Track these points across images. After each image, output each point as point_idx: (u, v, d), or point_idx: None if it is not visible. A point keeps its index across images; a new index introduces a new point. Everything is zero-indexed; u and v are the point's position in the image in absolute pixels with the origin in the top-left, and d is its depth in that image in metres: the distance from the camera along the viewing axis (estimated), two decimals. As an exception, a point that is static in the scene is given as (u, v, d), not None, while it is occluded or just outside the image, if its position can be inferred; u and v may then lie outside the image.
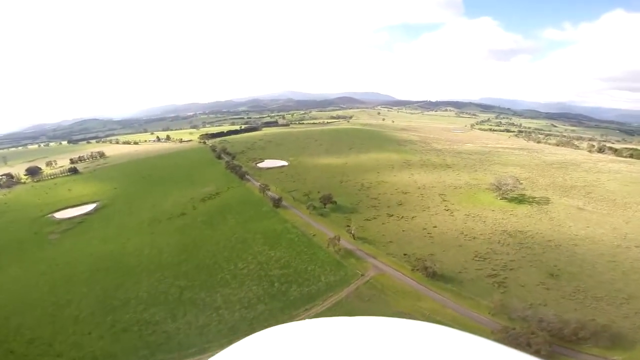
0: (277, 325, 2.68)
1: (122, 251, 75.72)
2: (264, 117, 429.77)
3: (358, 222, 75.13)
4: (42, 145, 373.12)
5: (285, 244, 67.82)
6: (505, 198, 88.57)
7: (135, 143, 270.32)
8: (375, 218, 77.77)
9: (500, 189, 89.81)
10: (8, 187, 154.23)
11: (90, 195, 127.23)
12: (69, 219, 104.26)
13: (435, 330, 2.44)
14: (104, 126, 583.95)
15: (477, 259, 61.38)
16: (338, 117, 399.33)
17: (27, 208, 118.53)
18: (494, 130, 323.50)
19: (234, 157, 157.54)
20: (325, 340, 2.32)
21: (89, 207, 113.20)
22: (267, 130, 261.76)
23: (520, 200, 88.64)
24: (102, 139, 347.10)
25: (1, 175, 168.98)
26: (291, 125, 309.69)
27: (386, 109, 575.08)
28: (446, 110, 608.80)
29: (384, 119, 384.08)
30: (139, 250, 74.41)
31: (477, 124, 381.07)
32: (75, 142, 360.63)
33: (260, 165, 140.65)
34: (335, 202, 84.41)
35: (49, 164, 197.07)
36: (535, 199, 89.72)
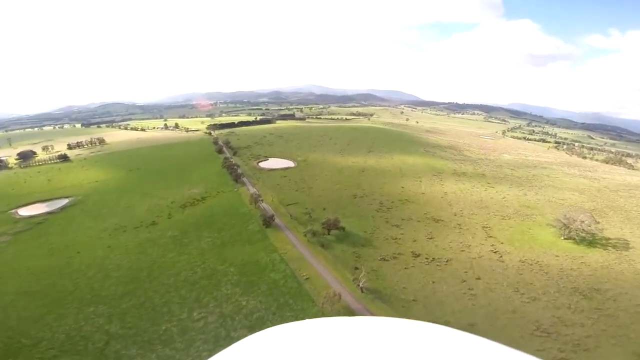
0: (277, 325, 2.58)
1: (63, 269, 57.96)
2: (282, 110, 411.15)
3: (371, 262, 54.20)
4: (57, 127, 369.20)
5: (265, 288, 47.67)
6: (571, 238, 64.80)
7: (142, 130, 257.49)
8: (395, 257, 56.24)
9: (568, 227, 64.95)
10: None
11: (68, 188, 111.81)
12: (30, 217, 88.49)
13: (435, 330, 2.41)
14: (126, 110, 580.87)
15: (538, 333, 40.48)
16: (358, 114, 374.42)
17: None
18: (529, 139, 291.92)
19: (235, 153, 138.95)
20: (325, 340, 2.29)
21: (59, 204, 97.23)
22: (280, 124, 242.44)
23: (591, 242, 64.10)
24: (117, 124, 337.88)
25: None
26: (307, 120, 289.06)
27: (410, 109, 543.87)
28: (474, 113, 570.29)
29: (407, 119, 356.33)
30: (83, 270, 56.35)
31: (508, 131, 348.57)
32: (89, 125, 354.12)
33: (262, 164, 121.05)
34: (343, 229, 63.40)
35: (45, 148, 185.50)
36: (610, 241, 64.99)
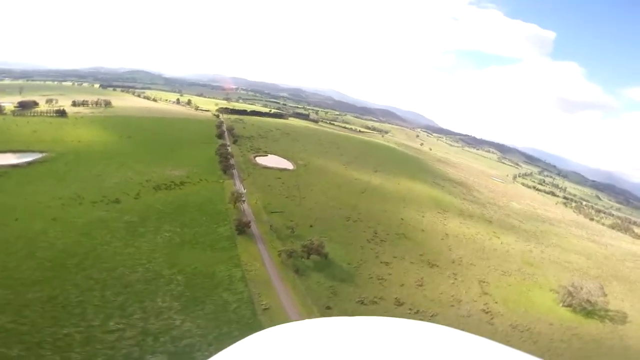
0: (277, 325, 2.54)
1: None
2: (298, 108, 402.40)
3: (347, 304, 44.16)
4: (75, 84, 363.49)
5: (210, 310, 37.60)
6: (570, 306, 55.68)
7: (154, 100, 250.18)
8: (375, 302, 45.83)
9: (572, 295, 56.30)
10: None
11: (48, 143, 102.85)
12: (-8, 166, 79.49)
13: (435, 330, 2.40)
14: (150, 79, 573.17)
15: None
16: (373, 129, 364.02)
17: None
18: (538, 190, 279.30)
19: (235, 141, 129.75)
20: (325, 340, 2.27)
21: (28, 157, 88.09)
22: (292, 121, 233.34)
23: (589, 312, 55.05)
24: (135, 90, 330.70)
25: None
26: (320, 123, 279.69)
27: (426, 134, 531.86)
28: (488, 151, 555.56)
29: (422, 144, 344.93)
30: (10, 242, 46.56)
31: (519, 176, 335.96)
32: (107, 87, 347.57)
33: (259, 160, 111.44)
34: (326, 256, 53.12)
35: (48, 101, 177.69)
36: (609, 313, 56.55)
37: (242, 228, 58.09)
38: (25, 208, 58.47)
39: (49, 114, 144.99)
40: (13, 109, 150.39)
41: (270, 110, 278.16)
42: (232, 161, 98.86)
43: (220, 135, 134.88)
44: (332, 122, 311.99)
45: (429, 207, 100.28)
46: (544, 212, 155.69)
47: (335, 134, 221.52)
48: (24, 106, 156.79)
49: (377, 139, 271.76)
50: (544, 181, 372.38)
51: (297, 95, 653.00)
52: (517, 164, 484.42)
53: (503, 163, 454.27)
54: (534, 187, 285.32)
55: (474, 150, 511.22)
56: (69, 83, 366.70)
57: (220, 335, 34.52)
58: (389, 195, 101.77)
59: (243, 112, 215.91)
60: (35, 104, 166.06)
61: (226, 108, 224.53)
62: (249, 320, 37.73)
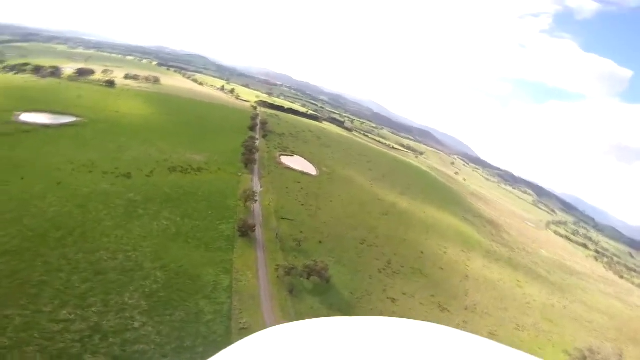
0: (277, 325, 2.54)
1: None
2: (335, 113, 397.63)
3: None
4: (136, 60, 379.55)
5: (180, 319, 32.26)
6: None
7: (200, 84, 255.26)
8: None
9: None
10: (43, 77, 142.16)
11: (87, 108, 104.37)
12: (23, 123, 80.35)
13: (435, 330, 2.39)
14: (204, 65, 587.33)
15: None
16: (407, 148, 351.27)
17: (19, 100, 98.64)
18: (570, 240, 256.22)
19: (265, 136, 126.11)
20: (325, 340, 2.25)
21: (62, 120, 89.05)
22: (326, 126, 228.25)
23: None
24: (187, 72, 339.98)
25: (51, 67, 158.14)
26: (354, 132, 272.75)
27: (462, 162, 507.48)
28: (525, 192, 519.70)
29: (456, 173, 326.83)
30: (3, 203, 44.22)
31: (553, 224, 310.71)
32: (162, 66, 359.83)
33: (284, 159, 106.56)
34: (328, 280, 46.54)
35: (105, 71, 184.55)
36: None
37: (246, 230, 52.86)
38: (35, 168, 56.83)
39: (99, 83, 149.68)
40: (71, 74, 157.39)
41: (307, 111, 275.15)
42: (256, 156, 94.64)
43: (252, 128, 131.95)
44: (366, 134, 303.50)
45: (454, 243, 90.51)
46: (573, 264, 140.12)
47: (367, 146, 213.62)
48: (81, 73, 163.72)
49: (410, 158, 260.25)
50: (577, 232, 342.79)
51: (337, 101, 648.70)
52: (553, 210, 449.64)
53: (538, 207, 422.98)
54: (567, 237, 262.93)
55: (510, 189, 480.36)
56: (131, 58, 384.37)
57: (180, 349, 29.25)
58: (413, 222, 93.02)
59: (280, 108, 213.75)
60: (92, 72, 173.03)
61: (265, 102, 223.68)
62: (219, 337, 32.09)
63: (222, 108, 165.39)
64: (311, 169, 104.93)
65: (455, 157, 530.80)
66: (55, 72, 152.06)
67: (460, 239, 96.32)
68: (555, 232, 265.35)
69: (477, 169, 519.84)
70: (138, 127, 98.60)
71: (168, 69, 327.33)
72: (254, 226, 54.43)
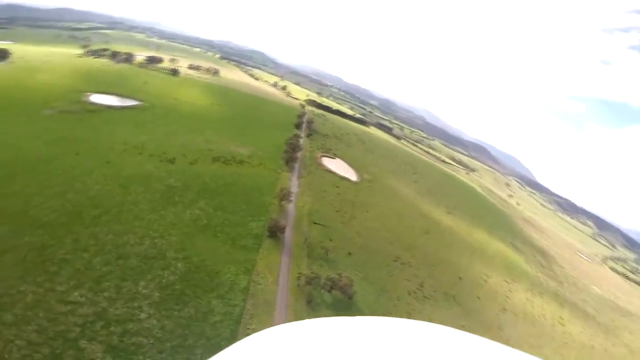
0: (277, 325, 2.52)
1: (40, 161, 49.78)
2: (384, 119, 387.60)
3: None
4: (202, 52, 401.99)
5: (189, 315, 30.71)
6: None
7: (256, 79, 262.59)
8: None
9: None
10: (117, 62, 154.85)
11: (149, 93, 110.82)
12: (91, 103, 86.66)
13: (435, 330, 2.38)
14: (262, 61, 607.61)
15: None
16: (459, 163, 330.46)
17: (91, 82, 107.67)
18: (628, 278, 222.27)
19: (309, 135, 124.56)
20: (325, 340, 2.25)
21: (126, 103, 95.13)
22: (373, 131, 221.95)
23: None
24: (245, 67, 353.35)
25: (126, 54, 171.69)
26: (402, 140, 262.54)
27: (518, 184, 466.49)
28: (585, 223, 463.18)
29: (510, 196, 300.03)
30: (53, 175, 46.84)
31: (611, 259, 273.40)
32: (224, 59, 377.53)
33: (325, 161, 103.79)
34: (350, 297, 42.72)
35: (172, 60, 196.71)
36: None
37: (275, 231, 50.80)
38: (90, 145, 60.00)
39: (164, 71, 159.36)
40: (141, 61, 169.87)
41: (355, 114, 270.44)
42: (298, 154, 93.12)
43: (297, 125, 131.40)
44: (415, 143, 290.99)
45: (497, 270, 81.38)
46: (626, 304, 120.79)
47: (416, 156, 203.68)
48: (150, 61, 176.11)
49: (461, 174, 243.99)
50: (637, 270, 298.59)
51: (387, 107, 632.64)
52: (613, 245, 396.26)
53: (597, 240, 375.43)
54: (624, 275, 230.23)
55: (568, 218, 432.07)
56: (198, 49, 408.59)
57: (180, 347, 27.61)
58: (456, 244, 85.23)
59: (328, 109, 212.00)
60: (161, 60, 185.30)
61: (314, 101, 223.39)
62: (223, 341, 29.99)
63: (271, 103, 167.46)
64: (352, 174, 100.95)
65: (511, 178, 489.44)
66: (128, 58, 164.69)
67: (505, 268, 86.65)
68: (612, 269, 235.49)
69: (534, 193, 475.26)
70: (191, 115, 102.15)
71: (229, 63, 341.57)
72: (284, 228, 52.20)
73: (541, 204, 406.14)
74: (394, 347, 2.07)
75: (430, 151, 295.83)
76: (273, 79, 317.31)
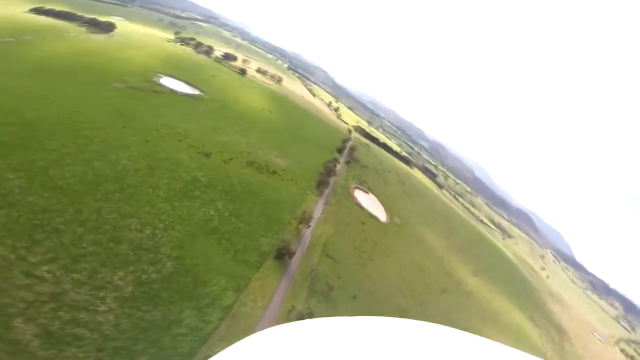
0: (277, 325, 2.52)
1: (83, 123, 51.40)
2: (430, 163, 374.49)
3: None
4: (273, 58, 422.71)
5: (154, 319, 27.62)
6: None
7: (313, 95, 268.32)
8: None
9: None
10: (198, 52, 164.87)
11: (215, 87, 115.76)
12: (159, 84, 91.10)
13: (435, 330, 2.37)
14: (323, 79, 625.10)
15: None
16: (497, 226, 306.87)
17: (168, 66, 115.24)
18: None
19: (348, 162, 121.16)
20: (325, 340, 2.22)
21: (191, 91, 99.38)
22: (415, 173, 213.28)
23: None
24: (306, 80, 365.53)
25: (207, 47, 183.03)
26: (444, 190, 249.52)
27: (553, 258, 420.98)
28: (612, 304, 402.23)
29: (542, 269, 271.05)
30: (100, 141, 47.99)
31: (624, 341, 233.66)
32: (291, 70, 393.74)
33: (357, 193, 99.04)
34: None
35: (244, 60, 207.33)
36: None
37: (284, 253, 47.16)
38: (140, 122, 61.66)
39: (234, 69, 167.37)
40: (218, 55, 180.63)
41: (401, 152, 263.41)
42: (331, 179, 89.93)
43: (339, 150, 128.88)
44: (457, 196, 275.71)
45: (505, 342, 68.62)
46: None
47: (453, 210, 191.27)
48: (226, 57, 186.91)
49: (497, 238, 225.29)
50: None
51: (437, 151, 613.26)
52: (634, 329, 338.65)
53: (619, 322, 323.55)
54: (632, 357, 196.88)
55: (596, 298, 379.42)
56: (270, 56, 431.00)
57: (124, 350, 24.70)
58: (472, 309, 75.74)
59: (374, 140, 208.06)
60: (235, 58, 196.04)
61: (362, 129, 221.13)
62: (177, 356, 26.44)
63: (320, 122, 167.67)
64: (381, 214, 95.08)
65: (548, 251, 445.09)
66: (208, 51, 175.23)
67: (515, 339, 76.48)
68: (622, 351, 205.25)
69: (567, 269, 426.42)
70: (243, 115, 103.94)
71: (293, 74, 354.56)
72: (294, 253, 48.40)
73: (572, 280, 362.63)
74: (394, 347, 2.04)
75: (471, 208, 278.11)
76: (328, 98, 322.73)
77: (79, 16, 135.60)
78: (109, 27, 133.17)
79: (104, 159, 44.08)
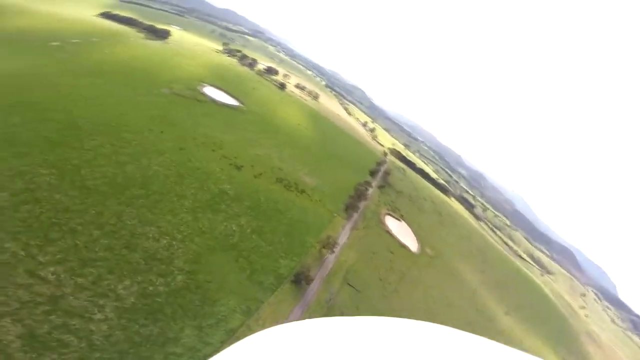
0: (277, 325, 2.53)
1: (123, 123, 52.80)
2: (468, 193, 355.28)
3: None
4: (312, 75, 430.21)
5: (149, 334, 25.37)
6: None
7: (349, 114, 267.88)
8: None
9: None
10: (242, 64, 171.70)
11: (254, 99, 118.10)
12: (202, 93, 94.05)
13: (435, 330, 2.38)
14: (359, 98, 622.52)
15: None
16: (537, 262, 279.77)
17: (213, 76, 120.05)
18: None
19: (381, 187, 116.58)
20: (325, 341, 2.22)
21: (231, 102, 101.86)
22: (452, 202, 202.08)
23: None
24: (342, 99, 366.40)
25: (252, 59, 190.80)
26: (481, 222, 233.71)
27: (594, 297, 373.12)
28: None
29: (582, 307, 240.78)
30: (137, 144, 49.02)
31: None
32: (329, 88, 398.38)
33: (388, 220, 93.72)
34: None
35: (284, 75, 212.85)
36: None
37: (302, 279, 44.15)
38: (178, 129, 62.79)
39: (273, 82, 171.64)
40: (260, 69, 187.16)
41: (438, 179, 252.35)
42: (361, 204, 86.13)
43: (373, 173, 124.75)
44: (495, 229, 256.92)
45: None
46: None
47: (491, 243, 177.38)
48: (268, 71, 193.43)
49: (535, 274, 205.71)
50: None
51: (476, 181, 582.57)
52: None
53: None
54: None
55: (637, 339, 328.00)
56: (310, 72, 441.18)
57: None
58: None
59: (410, 164, 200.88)
60: (276, 72, 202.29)
61: (398, 152, 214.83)
62: None
63: (355, 142, 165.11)
64: (413, 243, 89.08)
65: (590, 289, 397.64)
66: (252, 63, 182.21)
67: None
68: None
69: (609, 308, 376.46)
70: (278, 129, 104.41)
71: (331, 91, 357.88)
72: (313, 279, 45.19)
73: (612, 320, 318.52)
74: (394, 347, 2.04)
75: (509, 242, 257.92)
76: (365, 117, 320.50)
77: (140, 22, 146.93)
78: (164, 35, 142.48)
79: (136, 163, 44.47)
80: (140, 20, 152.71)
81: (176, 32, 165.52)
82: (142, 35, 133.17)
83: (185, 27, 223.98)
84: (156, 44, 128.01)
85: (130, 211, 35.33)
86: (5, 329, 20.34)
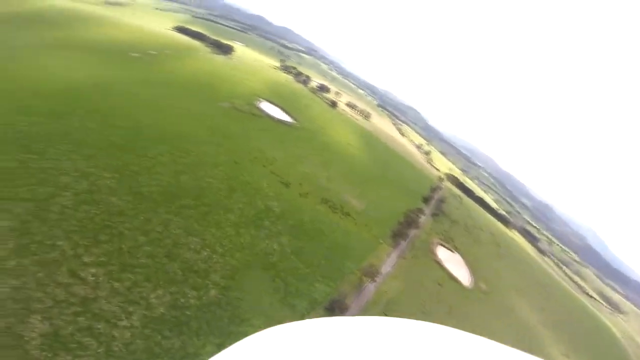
0: (277, 325, 2.57)
1: (190, 133, 55.87)
2: (532, 226, 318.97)
3: None
4: (364, 94, 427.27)
5: (165, 348, 24.92)
6: None
7: (402, 134, 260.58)
8: None
9: None
10: (297, 81, 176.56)
11: (306, 116, 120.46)
12: (259, 109, 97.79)
13: (435, 330, 2.39)
14: (413, 118, 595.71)
15: None
16: (607, 301, 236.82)
17: (270, 92, 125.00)
18: None
19: (435, 215, 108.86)
20: (325, 341, 2.24)
21: (284, 118, 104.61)
22: (513, 235, 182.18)
23: None
24: (395, 119, 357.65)
25: (305, 76, 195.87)
26: (546, 257, 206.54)
27: None
28: None
29: None
30: (194, 155, 51.53)
31: None
32: (380, 107, 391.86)
33: (440, 252, 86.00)
34: None
35: (336, 93, 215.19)
36: None
37: (335, 307, 41.35)
38: (234, 143, 65.34)
39: (325, 100, 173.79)
40: (314, 86, 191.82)
41: (498, 209, 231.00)
42: (411, 232, 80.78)
43: (426, 199, 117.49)
44: (561, 265, 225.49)
45: None
46: None
47: (554, 279, 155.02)
48: (321, 88, 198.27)
49: (603, 313, 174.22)
50: None
51: (541, 212, 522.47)
52: None
53: None
54: None
55: None
56: (362, 91, 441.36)
57: None
58: None
59: (468, 192, 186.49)
60: (328, 90, 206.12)
61: (455, 178, 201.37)
62: None
63: (408, 166, 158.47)
64: (465, 277, 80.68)
65: None
66: (306, 80, 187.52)
67: None
68: None
69: None
70: (329, 148, 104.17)
71: (383, 111, 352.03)
72: (347, 308, 42.14)
73: None
74: (394, 347, 2.04)
75: (576, 278, 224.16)
76: (419, 139, 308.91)
77: (208, 37, 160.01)
78: (228, 50, 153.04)
79: (191, 174, 46.35)
80: (208, 35, 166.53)
81: (239, 48, 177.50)
82: (209, 49, 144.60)
83: (247, 43, 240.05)
84: (220, 58, 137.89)
85: (177, 220, 36.36)
86: (32, 325, 21.09)
